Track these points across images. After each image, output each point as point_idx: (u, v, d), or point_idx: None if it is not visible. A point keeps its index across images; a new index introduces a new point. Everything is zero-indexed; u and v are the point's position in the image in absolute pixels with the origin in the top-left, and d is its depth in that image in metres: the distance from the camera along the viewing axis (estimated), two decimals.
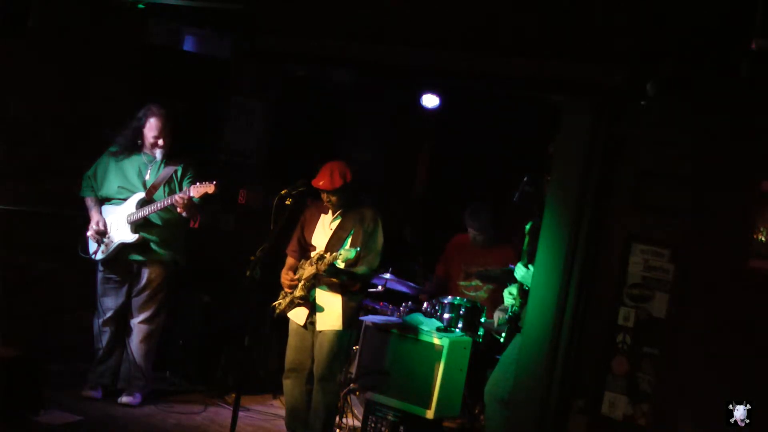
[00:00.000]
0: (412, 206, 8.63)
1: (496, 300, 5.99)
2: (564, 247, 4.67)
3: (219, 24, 6.96)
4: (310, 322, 5.57)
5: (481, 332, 6.11)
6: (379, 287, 6.55)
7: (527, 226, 5.05)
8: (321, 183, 5.46)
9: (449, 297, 6.20)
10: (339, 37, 5.38)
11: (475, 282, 6.68)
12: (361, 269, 5.48)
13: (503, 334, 5.15)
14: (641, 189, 4.58)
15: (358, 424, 6.00)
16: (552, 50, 4.72)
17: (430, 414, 5.58)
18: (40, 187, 6.51)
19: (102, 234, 5.96)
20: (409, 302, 6.48)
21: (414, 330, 5.80)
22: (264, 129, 7.73)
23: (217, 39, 7.47)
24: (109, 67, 6.79)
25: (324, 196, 5.52)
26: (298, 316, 5.61)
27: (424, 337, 5.72)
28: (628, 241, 4.59)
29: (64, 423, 5.47)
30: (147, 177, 6.03)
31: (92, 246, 6.03)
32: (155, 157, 6.05)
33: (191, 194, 5.77)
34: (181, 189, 5.97)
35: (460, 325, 6.03)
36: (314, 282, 5.49)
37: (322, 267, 5.34)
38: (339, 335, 5.49)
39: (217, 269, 7.06)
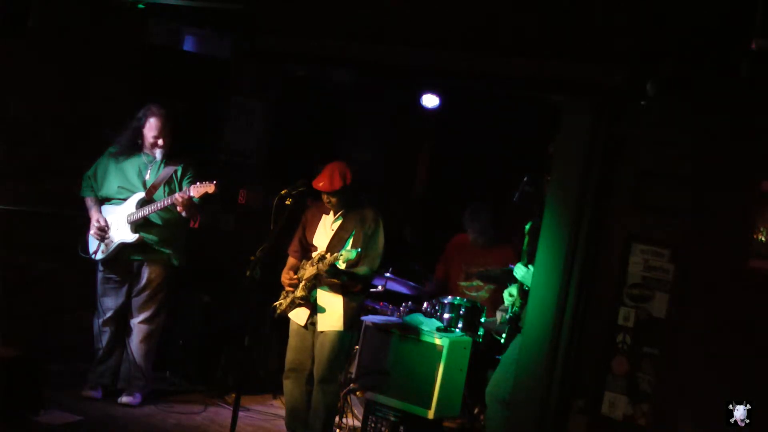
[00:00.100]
0: (412, 206, 8.62)
1: (497, 300, 5.98)
2: (564, 247, 4.67)
3: (219, 24, 6.96)
4: (311, 323, 5.57)
5: (481, 332, 6.11)
6: (379, 287, 6.55)
7: (527, 226, 5.05)
8: (321, 184, 5.46)
9: (449, 297, 6.20)
10: (339, 37, 5.38)
11: (476, 282, 6.68)
12: (362, 270, 5.48)
13: (503, 335, 5.16)
14: (641, 189, 4.58)
15: (358, 424, 6.00)
16: (552, 50, 4.72)
17: (430, 414, 5.58)
18: (40, 187, 6.51)
19: (104, 231, 5.96)
20: (409, 302, 6.47)
21: (414, 330, 5.80)
22: (264, 129, 7.73)
23: (217, 39, 7.47)
24: (109, 67, 6.79)
25: (324, 197, 5.52)
26: (298, 316, 5.61)
27: (425, 337, 5.72)
28: (628, 241, 4.59)
29: (64, 423, 5.47)
30: (147, 177, 6.03)
31: (92, 246, 6.03)
32: (155, 157, 6.05)
33: (191, 194, 5.77)
34: (180, 189, 5.96)
35: (460, 325, 6.03)
36: (315, 282, 5.48)
37: (323, 267, 5.34)
38: (340, 336, 5.49)
39: (217, 269, 7.06)
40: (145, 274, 6.04)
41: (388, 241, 5.56)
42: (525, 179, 4.96)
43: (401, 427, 5.68)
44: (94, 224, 5.99)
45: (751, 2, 4.10)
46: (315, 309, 5.54)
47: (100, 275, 6.09)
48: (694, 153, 4.45)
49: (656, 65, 4.43)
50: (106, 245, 5.99)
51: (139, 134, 6.02)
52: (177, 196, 5.81)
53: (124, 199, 5.99)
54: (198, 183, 5.79)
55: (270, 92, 7.75)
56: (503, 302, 5.23)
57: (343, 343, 5.52)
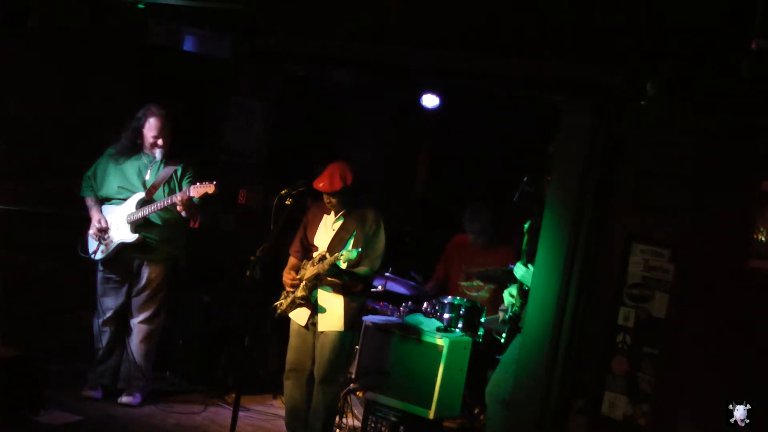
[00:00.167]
0: (412, 206, 8.62)
1: (497, 300, 5.99)
2: (564, 247, 4.67)
3: (219, 24, 6.96)
4: (312, 323, 5.56)
5: (481, 332, 6.11)
6: (379, 287, 6.55)
7: (525, 225, 5.05)
8: (321, 185, 5.46)
9: (449, 297, 6.20)
10: (339, 37, 5.38)
11: (477, 282, 6.68)
12: (363, 270, 5.47)
13: (503, 335, 5.16)
14: (641, 189, 4.58)
15: (358, 424, 6.00)
16: (552, 50, 4.72)
17: (430, 414, 5.58)
18: (40, 187, 6.51)
19: (104, 231, 5.96)
20: (409, 302, 6.47)
21: (414, 330, 5.80)
22: (264, 129, 7.73)
23: (217, 39, 7.47)
24: (109, 67, 6.79)
25: (325, 197, 5.52)
26: (299, 316, 5.61)
27: (425, 337, 5.72)
28: (628, 241, 4.59)
29: (64, 423, 5.47)
30: (147, 177, 6.03)
31: (92, 246, 6.03)
32: (155, 157, 6.05)
33: (191, 194, 5.77)
34: (180, 189, 5.96)
35: (460, 325, 6.03)
36: (316, 282, 5.48)
37: (324, 267, 5.34)
38: (340, 336, 5.48)
39: (217, 269, 7.06)
40: (145, 274, 6.04)
41: (388, 241, 5.56)
42: (525, 179, 4.96)
43: (401, 427, 5.68)
44: (94, 224, 5.99)
45: (751, 2, 4.10)
46: (316, 309, 5.54)
47: (99, 275, 6.09)
48: (694, 153, 4.45)
49: (656, 65, 4.43)
50: (106, 245, 5.99)
51: (139, 134, 6.02)
52: (177, 196, 5.81)
53: (124, 199, 5.99)
54: (198, 183, 5.79)
55: (270, 92, 7.75)
56: (503, 302, 5.23)
57: (344, 343, 5.52)
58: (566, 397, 4.68)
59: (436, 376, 5.59)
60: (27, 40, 6.12)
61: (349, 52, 5.40)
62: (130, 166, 6.04)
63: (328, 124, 8.18)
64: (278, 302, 5.62)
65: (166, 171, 6.04)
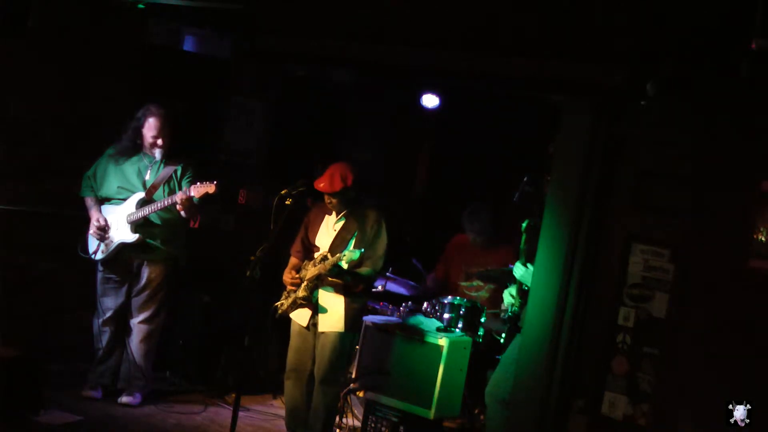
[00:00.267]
0: (412, 206, 8.62)
1: (497, 300, 5.99)
2: (564, 247, 4.67)
3: (219, 24, 6.96)
4: (313, 323, 5.56)
5: (481, 332, 6.11)
6: (379, 287, 6.55)
7: (523, 225, 5.04)
8: (321, 185, 5.45)
9: (449, 297, 6.20)
10: (339, 37, 5.38)
11: (476, 282, 6.68)
12: (365, 271, 5.47)
13: (503, 335, 5.16)
14: (641, 189, 4.58)
15: (358, 424, 6.00)
16: (552, 50, 4.72)
17: (430, 414, 5.58)
18: (40, 187, 6.51)
19: (104, 230, 5.96)
20: (409, 302, 6.47)
21: (414, 330, 5.80)
22: (264, 129, 7.73)
23: (217, 39, 7.47)
24: (109, 67, 6.79)
25: (326, 197, 5.52)
26: (300, 316, 5.61)
27: (425, 338, 5.72)
28: (628, 241, 4.59)
29: (64, 423, 5.47)
30: (147, 177, 6.03)
31: (92, 246, 6.03)
32: (155, 157, 6.05)
33: (191, 194, 5.76)
34: (180, 189, 5.96)
35: (460, 325, 6.03)
36: (317, 283, 5.47)
37: (326, 268, 5.34)
38: (341, 337, 5.48)
39: (217, 269, 7.06)
40: (145, 274, 6.04)
41: (389, 242, 5.55)
42: (525, 179, 4.96)
43: (401, 427, 5.68)
44: (93, 224, 5.99)
45: (751, 2, 4.10)
46: (317, 309, 5.53)
47: (99, 275, 6.09)
48: (694, 153, 4.45)
49: (656, 65, 4.43)
50: (106, 245, 5.99)
51: (139, 134, 6.02)
52: (177, 196, 5.81)
53: (124, 199, 5.99)
54: (198, 183, 5.78)
55: (270, 92, 7.75)
56: (503, 302, 5.23)
57: (344, 344, 5.52)
58: (566, 397, 4.68)
59: (437, 376, 5.59)
60: (27, 40, 6.11)
61: (349, 52, 5.40)
62: (130, 166, 6.04)
63: (328, 124, 8.18)
64: (279, 302, 5.62)
65: (166, 171, 6.04)
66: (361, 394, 5.88)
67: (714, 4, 4.37)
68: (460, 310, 6.08)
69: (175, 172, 6.05)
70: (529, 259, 4.94)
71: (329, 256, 5.38)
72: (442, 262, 6.99)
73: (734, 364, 4.26)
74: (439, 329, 5.83)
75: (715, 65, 4.34)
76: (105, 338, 6.07)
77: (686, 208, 4.45)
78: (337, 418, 5.84)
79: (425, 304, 6.26)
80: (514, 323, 5.06)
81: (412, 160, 8.73)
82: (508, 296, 5.14)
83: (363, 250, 5.30)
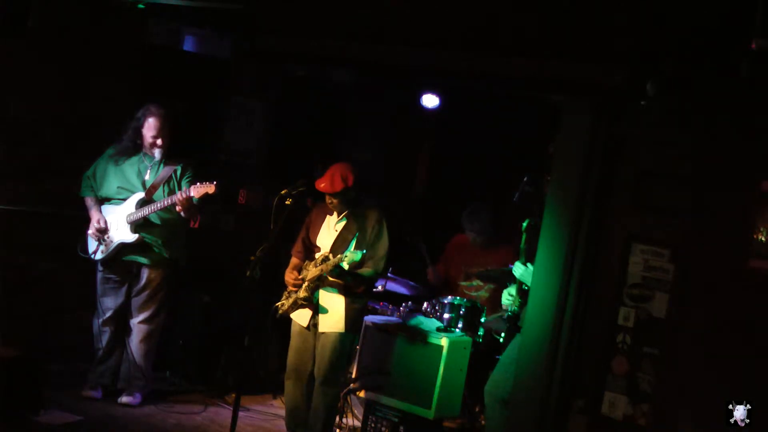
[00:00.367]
0: (412, 206, 8.62)
1: (497, 300, 5.98)
2: (564, 247, 4.67)
3: (219, 24, 6.96)
4: (313, 324, 5.56)
5: (481, 332, 6.11)
6: (379, 287, 6.55)
7: (524, 224, 5.04)
8: (322, 185, 5.45)
9: (449, 297, 6.20)
10: (339, 37, 5.38)
11: (476, 282, 6.68)
12: (366, 272, 5.46)
13: (502, 334, 5.16)
14: (641, 189, 4.58)
15: (358, 424, 6.00)
16: (552, 50, 4.72)
17: (430, 414, 5.58)
18: (40, 187, 6.51)
19: (103, 232, 5.96)
20: (409, 302, 6.48)
21: (414, 330, 5.80)
22: (264, 129, 7.73)
23: (217, 39, 7.47)
24: (109, 67, 6.79)
25: (327, 198, 5.52)
26: (301, 317, 5.60)
27: (425, 338, 5.72)
28: (628, 241, 4.59)
29: (64, 423, 5.47)
30: (146, 177, 6.03)
31: (92, 246, 6.03)
32: (154, 157, 6.05)
33: (191, 194, 5.76)
34: (180, 189, 5.96)
35: (460, 325, 6.03)
36: (318, 283, 5.47)
37: (328, 269, 5.33)
38: (341, 338, 5.48)
39: (217, 269, 7.06)
40: (145, 274, 6.04)
41: (390, 242, 5.54)
42: (525, 179, 4.96)
43: (401, 427, 5.67)
44: (93, 224, 5.99)
45: (751, 2, 4.10)
46: (317, 310, 5.53)
47: (99, 275, 6.09)
48: (694, 153, 4.45)
49: (656, 65, 4.43)
50: (106, 245, 5.99)
51: (138, 134, 6.02)
52: (176, 196, 5.81)
53: (124, 200, 5.99)
54: (198, 183, 5.78)
55: (270, 92, 7.75)
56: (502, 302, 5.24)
57: (344, 344, 5.51)
58: (566, 397, 4.68)
59: (437, 376, 5.59)
60: (27, 40, 6.11)
61: (349, 52, 5.40)
62: (130, 167, 6.04)
63: (328, 124, 8.18)
64: (280, 303, 5.62)
65: (166, 171, 6.03)
66: (361, 394, 5.88)
67: (714, 4, 4.37)
68: (460, 310, 6.08)
69: (175, 172, 6.05)
70: (529, 258, 4.94)
71: (330, 256, 5.38)
72: (442, 262, 6.99)
73: (734, 364, 4.26)
74: (439, 329, 5.83)
75: (715, 65, 4.34)
76: (105, 338, 6.07)
77: (686, 208, 4.45)
78: (337, 418, 5.84)
79: (425, 304, 6.26)
80: (513, 323, 5.06)
81: (412, 160, 8.73)
82: (507, 296, 5.14)
83: (365, 251, 5.29)
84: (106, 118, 6.57)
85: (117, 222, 5.98)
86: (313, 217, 5.72)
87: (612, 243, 4.63)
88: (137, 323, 6.07)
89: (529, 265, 4.95)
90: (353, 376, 5.90)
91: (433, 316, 6.09)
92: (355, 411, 6.10)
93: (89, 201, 6.09)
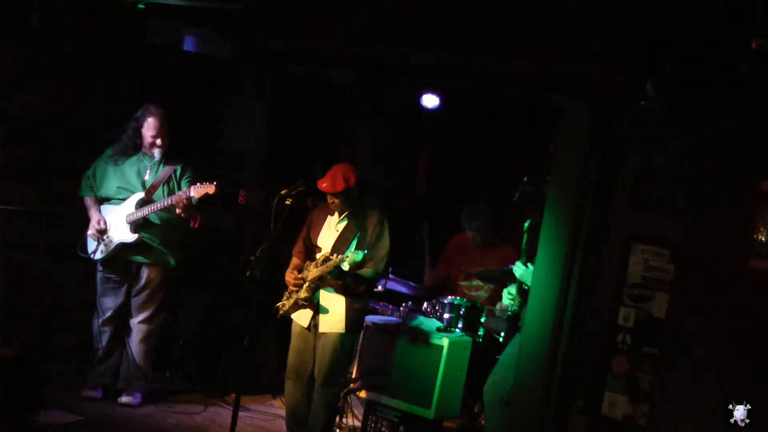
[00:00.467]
0: (412, 206, 8.62)
1: (497, 300, 5.98)
2: (564, 247, 4.67)
3: (219, 24, 6.95)
4: (314, 324, 5.56)
5: (481, 332, 6.11)
6: (379, 287, 6.55)
7: (525, 224, 5.05)
8: (324, 185, 5.44)
9: (449, 297, 6.20)
10: (339, 37, 5.39)
11: (476, 282, 6.68)
12: (367, 272, 5.46)
13: (502, 334, 5.15)
14: (641, 189, 4.58)
15: (358, 424, 6.00)
16: (552, 50, 4.73)
17: (430, 414, 5.57)
18: (40, 187, 6.51)
19: (102, 232, 5.96)
20: (410, 302, 6.47)
21: (414, 330, 5.80)
22: (264, 129, 7.72)
23: (217, 39, 7.47)
24: (109, 68, 6.79)
25: (328, 198, 5.51)
26: (301, 317, 5.60)
27: (425, 338, 5.72)
28: (628, 241, 4.59)
29: (64, 423, 5.47)
30: (146, 177, 6.03)
31: (91, 245, 6.03)
32: (154, 157, 6.05)
33: (191, 194, 5.76)
34: (180, 189, 5.96)
35: (460, 325, 6.03)
36: (319, 284, 5.47)
37: (328, 269, 5.33)
38: (341, 338, 5.47)
39: (217, 269, 7.06)
40: (145, 274, 6.04)
41: (391, 242, 5.54)
42: (525, 179, 4.96)
43: (401, 427, 5.67)
44: (93, 224, 5.99)
45: (751, 2, 4.10)
46: (318, 310, 5.53)
47: (99, 275, 6.09)
48: (694, 153, 4.44)
49: (656, 65, 4.43)
50: (106, 245, 5.99)
51: (138, 134, 6.02)
52: (176, 196, 5.80)
53: (124, 200, 5.99)
54: (198, 183, 5.78)
55: (270, 92, 7.75)
56: (501, 301, 5.24)
57: (344, 345, 5.51)
58: (566, 397, 4.68)
59: (437, 376, 5.58)
60: (27, 40, 6.12)
61: (349, 52, 5.40)
62: (130, 167, 6.04)
63: (328, 124, 8.18)
64: (280, 303, 5.61)
65: (165, 171, 6.03)
66: (361, 394, 5.87)
67: (714, 4, 4.37)
68: (460, 310, 6.08)
69: (175, 172, 6.05)
70: (530, 259, 4.94)
71: (332, 257, 5.37)
72: (442, 262, 6.99)
73: (734, 364, 4.26)
74: (439, 329, 5.83)
75: (715, 65, 4.34)
76: (105, 338, 6.07)
77: (686, 208, 4.45)
78: (337, 418, 5.84)
79: (425, 304, 6.26)
80: (513, 323, 5.06)
81: (412, 160, 8.72)
82: (507, 296, 5.14)
83: (366, 252, 5.28)
84: (106, 118, 6.56)
85: (116, 222, 5.98)
86: (314, 217, 5.72)
87: (612, 243, 4.63)
88: (137, 323, 6.07)
89: (529, 265, 4.94)
90: (353, 376, 5.90)
91: (433, 316, 6.09)
92: (355, 411, 6.10)
93: (89, 201, 6.09)
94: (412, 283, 6.85)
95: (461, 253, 6.84)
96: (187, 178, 6.04)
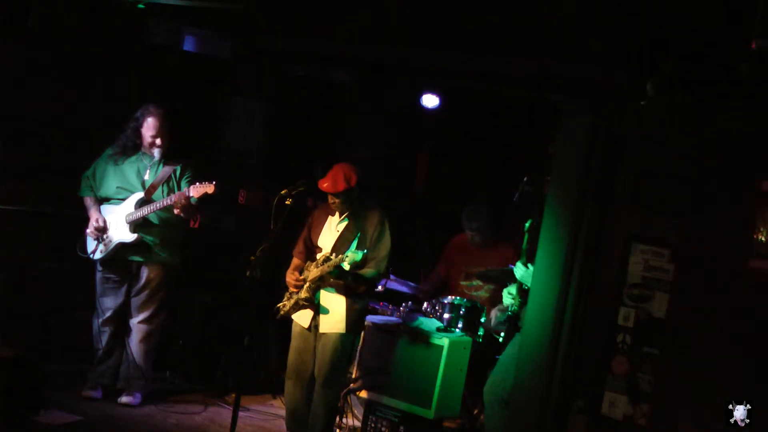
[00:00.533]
0: (412, 206, 8.62)
1: (497, 300, 5.98)
2: (564, 247, 4.67)
3: (219, 24, 6.95)
4: (314, 325, 5.55)
5: (481, 332, 6.11)
6: (380, 287, 6.55)
7: (526, 225, 5.05)
8: (325, 185, 5.44)
9: (449, 297, 6.20)
10: (339, 37, 5.39)
11: (476, 282, 6.68)
12: (368, 272, 5.45)
13: (502, 334, 5.15)
14: (641, 189, 4.59)
15: (358, 424, 6.00)
16: (552, 50, 4.73)
17: (430, 414, 5.57)
18: (40, 187, 6.51)
19: (102, 231, 5.96)
20: (410, 302, 6.47)
21: (414, 330, 5.80)
22: (264, 129, 7.72)
23: (217, 39, 7.47)
24: (109, 67, 6.79)
25: (329, 198, 5.51)
26: (302, 318, 5.60)
27: (425, 338, 5.72)
28: (628, 241, 4.59)
29: (64, 423, 5.47)
30: (146, 177, 6.03)
31: (90, 245, 6.02)
32: (154, 157, 6.05)
33: (191, 194, 5.76)
34: (179, 188, 5.96)
35: (460, 325, 6.03)
36: (320, 284, 5.47)
37: (328, 269, 5.33)
38: (341, 338, 5.47)
39: (217, 269, 7.06)
40: (144, 273, 6.04)
41: (392, 243, 5.54)
42: (525, 179, 4.96)
43: (401, 427, 5.67)
44: (92, 224, 5.98)
45: (751, 2, 4.10)
46: (318, 310, 5.53)
47: (99, 275, 6.09)
48: (694, 153, 4.45)
49: (656, 65, 4.43)
50: (105, 245, 5.99)
51: (138, 134, 6.02)
52: (175, 196, 5.80)
53: (123, 199, 5.99)
54: (198, 183, 5.78)
55: (270, 92, 7.75)
56: (502, 302, 5.23)
57: (345, 345, 5.50)
58: (566, 397, 4.68)
59: (437, 376, 5.58)
60: (27, 40, 6.11)
61: (349, 52, 5.40)
62: (129, 167, 6.04)
63: (328, 124, 8.18)
64: (281, 303, 5.61)
65: (165, 171, 6.03)
66: (361, 394, 5.87)
67: (714, 4, 4.37)
68: (460, 310, 6.08)
69: (174, 171, 6.05)
70: (530, 259, 4.94)
71: (332, 257, 5.37)
72: (443, 262, 6.99)
73: (734, 364, 4.26)
74: (439, 329, 5.83)
75: (715, 65, 4.34)
76: (104, 338, 6.07)
77: (686, 208, 4.45)
78: (337, 418, 5.84)
79: (425, 304, 6.26)
80: (513, 323, 5.06)
81: (412, 160, 8.72)
82: (507, 296, 5.14)
83: (366, 251, 5.28)
84: (106, 118, 6.56)
85: (116, 222, 5.97)
86: (315, 217, 5.72)
87: (612, 243, 4.63)
88: (137, 323, 6.07)
89: (530, 266, 4.94)
90: (353, 376, 5.89)
91: (433, 316, 6.09)
92: (355, 411, 6.10)
93: (88, 201, 6.09)
94: (412, 283, 6.85)
95: (461, 253, 6.84)
96: (186, 178, 6.04)
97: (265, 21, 5.69)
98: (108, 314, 6.06)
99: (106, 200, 6.05)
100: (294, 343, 5.65)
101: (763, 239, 4.23)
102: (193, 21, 7.16)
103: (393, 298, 6.68)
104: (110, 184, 6.02)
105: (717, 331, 4.32)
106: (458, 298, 6.21)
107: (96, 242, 6.00)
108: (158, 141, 5.99)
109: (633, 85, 4.47)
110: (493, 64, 4.94)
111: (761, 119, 4.29)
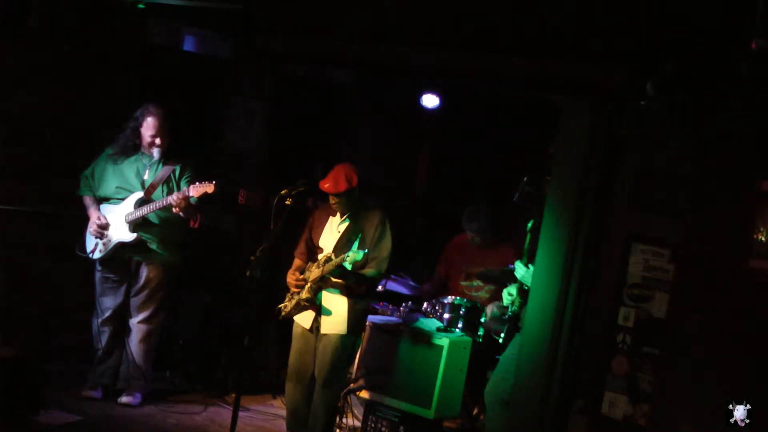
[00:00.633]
0: (412, 206, 8.62)
1: (497, 300, 5.98)
2: (564, 247, 4.67)
3: (219, 24, 6.95)
4: (316, 326, 5.55)
5: (481, 332, 6.11)
6: (380, 287, 6.55)
7: (529, 225, 5.04)
8: (326, 186, 5.43)
9: (449, 297, 6.20)
10: (339, 37, 5.39)
11: (477, 282, 6.68)
12: (369, 272, 5.45)
13: (502, 334, 5.16)
14: (641, 189, 4.59)
15: (358, 424, 6.00)
16: (552, 50, 4.73)
17: (430, 414, 5.58)
18: (40, 187, 6.51)
19: (104, 227, 5.95)
20: (410, 302, 6.48)
21: (414, 330, 5.80)
22: (264, 129, 7.72)
23: (217, 39, 7.47)
24: (109, 68, 6.79)
25: (330, 198, 5.50)
26: (303, 319, 5.59)
27: (425, 338, 5.72)
28: (628, 241, 4.59)
29: (64, 423, 5.47)
30: (145, 177, 6.03)
31: (90, 244, 6.02)
32: (153, 157, 6.05)
33: (191, 194, 5.76)
34: (179, 188, 5.96)
35: (460, 325, 6.03)
36: (321, 284, 5.46)
37: (330, 269, 5.33)
38: (342, 339, 5.46)
39: (217, 269, 7.06)
40: (144, 273, 6.03)
41: (393, 243, 5.53)
42: (525, 179, 4.96)
43: (401, 427, 5.67)
44: (94, 221, 5.98)
45: (751, 2, 4.10)
46: (320, 311, 5.52)
47: (98, 275, 6.09)
48: (694, 153, 4.45)
49: (656, 65, 4.43)
50: (104, 244, 5.99)
51: (137, 134, 6.02)
52: (174, 196, 5.80)
53: (123, 199, 5.99)
54: (197, 183, 5.78)
55: (270, 92, 7.75)
56: (502, 302, 5.23)
57: (346, 346, 5.49)
58: (566, 397, 4.68)
59: (437, 376, 5.58)
60: (27, 40, 6.11)
61: (349, 52, 5.41)
62: (129, 166, 6.04)
63: (328, 124, 8.18)
64: (282, 304, 5.61)
65: (165, 170, 6.03)
66: (362, 394, 5.87)
67: (714, 4, 4.37)
68: (460, 310, 6.08)
69: (174, 171, 6.05)
70: (531, 259, 4.94)
71: (333, 257, 5.37)
72: (443, 262, 6.99)
73: (734, 364, 4.26)
74: (439, 329, 5.83)
75: (715, 65, 4.34)
76: (104, 338, 6.07)
77: (686, 208, 4.45)
78: (337, 418, 5.84)
79: (425, 304, 6.26)
80: (513, 323, 5.06)
81: (412, 160, 8.73)
82: (507, 296, 5.14)
83: (367, 251, 5.28)
84: (106, 118, 6.55)
85: (115, 221, 5.97)
86: (316, 218, 5.71)
87: (612, 243, 4.63)
88: (136, 323, 6.07)
89: (530, 266, 4.94)
90: (354, 376, 5.89)
91: (433, 316, 6.09)
92: (355, 411, 6.10)
93: (88, 200, 6.09)
94: (412, 283, 6.85)
95: (461, 253, 6.84)
96: (186, 177, 6.04)
97: (265, 21, 5.69)
98: (107, 314, 6.05)
99: (105, 200, 6.05)
100: (295, 345, 5.65)
101: (763, 239, 4.23)
102: (193, 21, 7.15)
103: (393, 298, 6.68)
104: (109, 184, 6.02)
105: (717, 331, 4.32)
106: (458, 298, 6.20)
107: (95, 241, 6.00)
108: (158, 141, 5.99)
109: (633, 85, 4.47)
110: (493, 64, 4.94)
111: (761, 119, 4.29)
